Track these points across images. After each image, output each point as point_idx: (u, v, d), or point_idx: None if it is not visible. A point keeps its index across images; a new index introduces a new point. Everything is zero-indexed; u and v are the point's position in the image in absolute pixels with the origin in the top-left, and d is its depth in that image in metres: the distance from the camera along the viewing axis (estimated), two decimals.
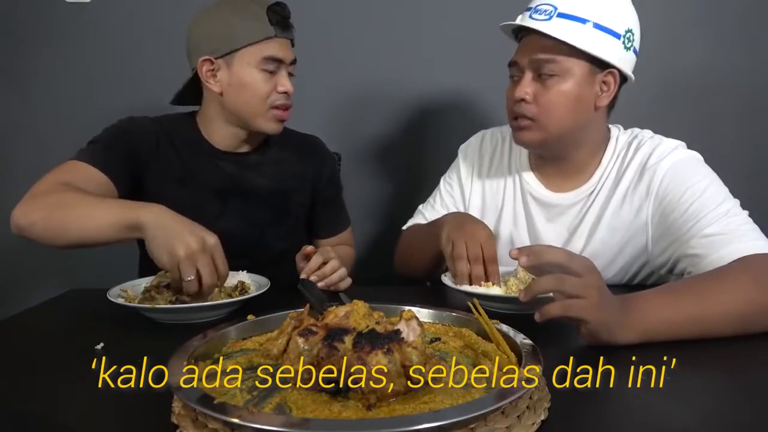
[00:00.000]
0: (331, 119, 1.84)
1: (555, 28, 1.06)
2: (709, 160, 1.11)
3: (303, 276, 1.09)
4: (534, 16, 1.09)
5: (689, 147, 1.14)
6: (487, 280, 1.02)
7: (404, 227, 1.41)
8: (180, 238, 0.90)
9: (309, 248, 1.14)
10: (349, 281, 1.16)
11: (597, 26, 1.06)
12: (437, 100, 1.81)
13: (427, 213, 1.37)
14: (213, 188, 1.28)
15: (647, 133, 1.19)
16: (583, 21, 1.06)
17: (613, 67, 1.09)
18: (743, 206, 1.02)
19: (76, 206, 1.00)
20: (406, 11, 1.79)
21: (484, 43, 1.17)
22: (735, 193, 1.05)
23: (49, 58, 1.86)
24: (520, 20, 1.13)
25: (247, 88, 1.20)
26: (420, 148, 1.86)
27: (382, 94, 1.84)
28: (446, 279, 1.06)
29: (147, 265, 1.17)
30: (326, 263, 1.11)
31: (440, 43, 1.79)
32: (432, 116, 1.80)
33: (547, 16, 1.07)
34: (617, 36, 1.08)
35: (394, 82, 1.82)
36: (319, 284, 1.08)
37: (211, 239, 0.92)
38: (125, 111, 1.83)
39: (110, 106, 1.87)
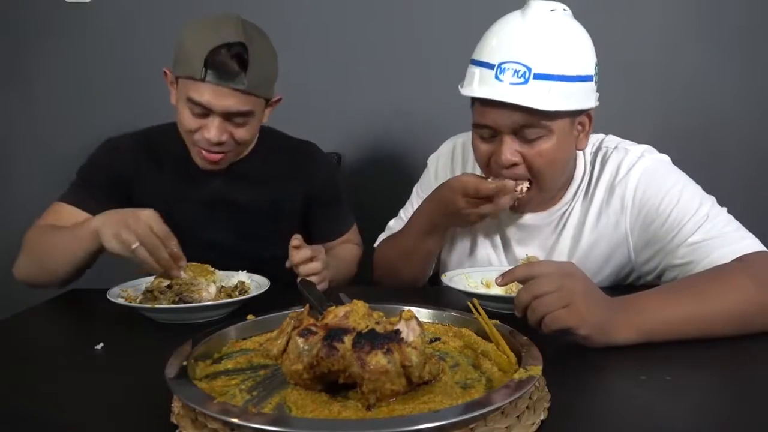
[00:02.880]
0: (331, 119, 1.84)
1: (537, 95, 0.95)
2: (708, 169, 1.10)
3: (287, 265, 1.08)
4: (502, 77, 0.97)
5: (688, 158, 1.11)
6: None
7: (376, 244, 1.36)
8: (120, 223, 0.96)
9: (296, 241, 1.07)
10: (325, 286, 1.09)
11: (574, 78, 0.98)
12: (438, 100, 1.80)
13: (398, 228, 1.30)
14: (201, 204, 1.26)
15: (611, 141, 1.13)
16: (562, 78, 0.96)
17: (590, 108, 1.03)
18: (742, 217, 1.00)
19: (48, 247, 1.10)
20: (406, 12, 1.79)
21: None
22: (734, 202, 1.04)
23: (49, 58, 1.86)
24: (480, 87, 0.99)
25: (178, 117, 1.16)
26: (421, 148, 1.85)
27: (382, 93, 1.84)
28: (446, 279, 1.06)
29: None
30: (312, 260, 1.06)
31: (440, 43, 1.79)
32: (433, 116, 1.80)
33: (522, 80, 0.95)
34: (590, 79, 1.01)
35: (394, 82, 1.82)
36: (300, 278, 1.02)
37: (145, 212, 0.97)
38: (124, 111, 1.86)
39: (110, 106, 1.88)
